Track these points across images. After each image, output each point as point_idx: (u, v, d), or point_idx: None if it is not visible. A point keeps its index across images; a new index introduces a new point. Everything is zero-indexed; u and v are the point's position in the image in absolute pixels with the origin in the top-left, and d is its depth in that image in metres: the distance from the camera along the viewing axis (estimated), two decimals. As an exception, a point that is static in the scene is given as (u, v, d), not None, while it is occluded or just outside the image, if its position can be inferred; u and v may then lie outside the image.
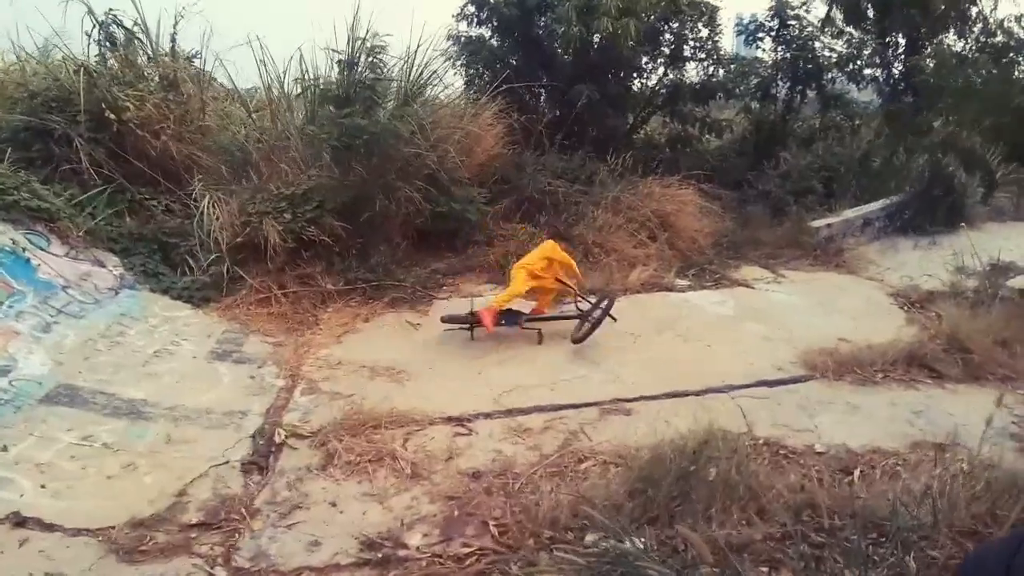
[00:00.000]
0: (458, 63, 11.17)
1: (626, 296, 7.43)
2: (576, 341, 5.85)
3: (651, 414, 4.97)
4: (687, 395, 5.31)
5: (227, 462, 4.38)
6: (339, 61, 7.02)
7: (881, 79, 12.49)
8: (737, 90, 11.11)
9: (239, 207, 7.15)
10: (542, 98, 10.95)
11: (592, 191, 9.10)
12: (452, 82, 10.41)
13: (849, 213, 9.82)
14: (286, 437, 4.58)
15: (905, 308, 7.77)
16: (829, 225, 9.60)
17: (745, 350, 6.26)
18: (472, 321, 6.14)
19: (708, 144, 12.65)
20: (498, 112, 9.09)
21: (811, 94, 12.07)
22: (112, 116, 7.68)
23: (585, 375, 5.54)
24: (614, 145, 10.52)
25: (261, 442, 4.60)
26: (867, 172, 10.69)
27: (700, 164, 11.03)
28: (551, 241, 6.89)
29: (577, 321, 6.20)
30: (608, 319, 6.19)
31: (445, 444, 4.46)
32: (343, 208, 7.26)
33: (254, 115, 8.73)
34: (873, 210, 9.93)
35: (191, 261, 7.05)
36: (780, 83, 11.90)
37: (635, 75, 10.76)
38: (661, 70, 11.16)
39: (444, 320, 6.17)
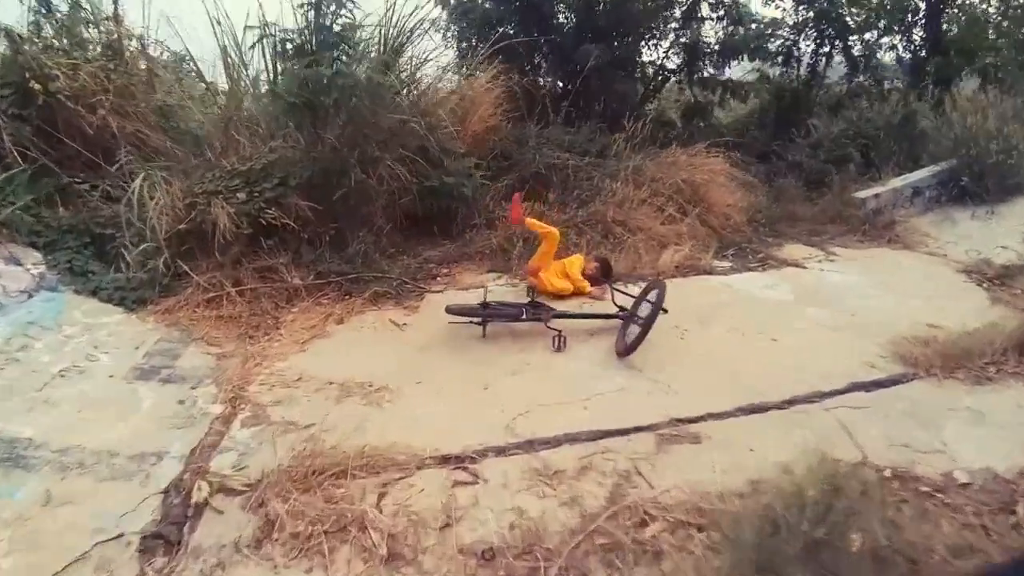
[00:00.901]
0: (448, 33, 9.65)
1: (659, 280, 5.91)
2: (624, 352, 4.31)
3: (727, 439, 3.44)
4: (767, 409, 3.78)
5: (121, 535, 2.85)
6: (302, 4, 5.46)
7: (900, 46, 11.06)
8: (761, 49, 9.51)
9: (184, 188, 5.57)
10: (542, 69, 9.35)
11: (606, 163, 7.53)
12: (441, 48, 8.87)
13: (897, 182, 8.27)
14: (210, 494, 3.03)
15: (984, 286, 6.30)
16: (876, 196, 8.06)
17: (819, 344, 4.74)
18: (486, 315, 4.65)
19: (726, 115, 11.12)
20: (495, 76, 7.52)
21: (837, 57, 10.53)
22: (37, 87, 6.11)
23: (626, 387, 3.99)
24: (626, 115, 8.95)
25: (175, 501, 3.05)
26: (909, 137, 9.13)
27: (717, 138, 9.50)
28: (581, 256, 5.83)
29: (619, 323, 4.70)
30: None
31: (439, 500, 2.90)
32: (312, 185, 5.69)
33: (208, 81, 7.15)
34: (923, 178, 8.39)
35: (127, 255, 5.49)
36: (802, 45, 10.34)
37: (646, 37, 9.17)
38: (673, 35, 9.56)
39: (451, 311, 4.63)
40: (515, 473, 3.08)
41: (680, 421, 3.55)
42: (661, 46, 9.38)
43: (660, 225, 6.59)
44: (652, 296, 4.56)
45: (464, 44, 9.59)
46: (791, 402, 3.88)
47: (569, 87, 9.09)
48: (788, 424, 3.67)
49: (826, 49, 10.36)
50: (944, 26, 11.18)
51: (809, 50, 10.31)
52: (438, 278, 5.93)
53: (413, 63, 7.36)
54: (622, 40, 8.84)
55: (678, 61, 9.54)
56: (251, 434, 3.57)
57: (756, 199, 8.02)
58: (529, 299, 4.85)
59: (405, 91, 6.75)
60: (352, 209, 5.83)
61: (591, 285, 5.51)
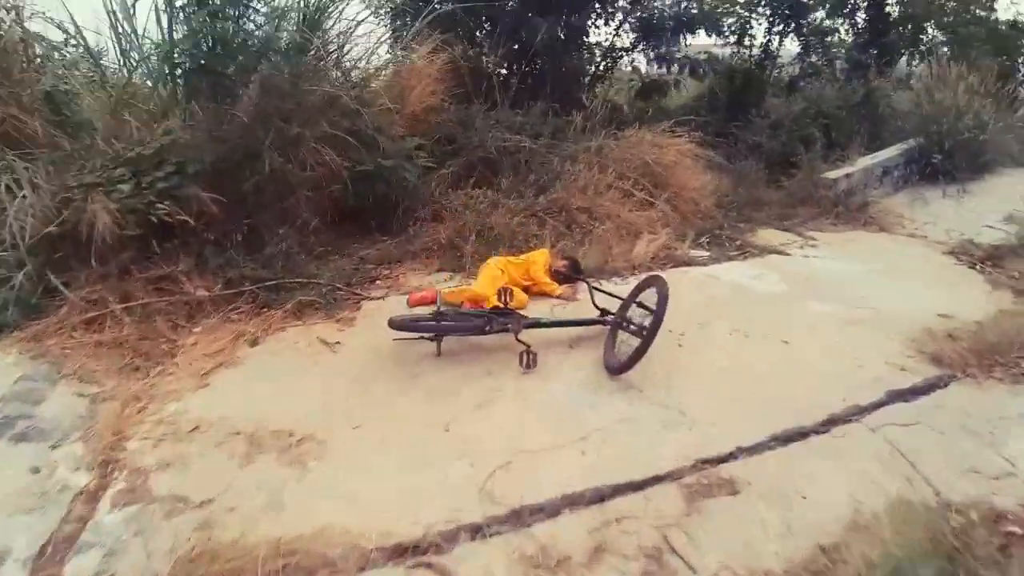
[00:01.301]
0: (381, 8, 8.50)
1: (634, 275, 5.04)
2: (618, 370, 3.39)
3: (770, 484, 2.59)
4: (806, 435, 2.97)
5: None
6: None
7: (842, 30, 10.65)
8: (716, 25, 8.76)
9: (57, 183, 4.33)
10: (486, 47, 8.32)
11: (563, 145, 6.62)
12: (373, 24, 7.72)
13: (866, 161, 7.70)
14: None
15: (977, 268, 5.74)
16: (848, 176, 7.45)
17: (835, 344, 3.99)
18: (440, 329, 3.64)
19: (672, 98, 10.39)
20: (435, 50, 6.47)
21: (788, 37, 9.96)
22: None
23: (629, 416, 3.06)
24: (578, 95, 8.10)
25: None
26: (870, 116, 8.60)
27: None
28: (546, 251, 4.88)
29: (606, 332, 3.79)
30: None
31: (394, 624, 1.93)
32: (217, 173, 4.53)
33: (96, 54, 5.84)
34: (891, 156, 7.86)
35: (-18, 269, 4.22)
36: (754, 24, 9.71)
37: (597, 11, 8.28)
38: (624, 9, 8.71)
39: (395, 325, 3.59)
40: (500, 566, 2.12)
41: (707, 462, 2.66)
42: (612, 22, 8.53)
43: (629, 212, 5.71)
44: (647, 297, 3.66)
45: (399, 22, 8.49)
46: (831, 422, 3.07)
47: (515, 66, 8.13)
48: (835, 454, 2.84)
49: (779, 27, 9.74)
50: (887, 9, 10.86)
51: (763, 29, 9.69)
52: (377, 281, 4.86)
53: (340, 36, 6.26)
54: (571, 14, 7.93)
55: (631, 38, 8.71)
56: (123, 519, 2.48)
57: (721, 182, 7.27)
58: (492, 305, 3.87)
59: (333, 61, 5.63)
60: (269, 201, 4.71)
61: (561, 284, 4.63)
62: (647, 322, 3.46)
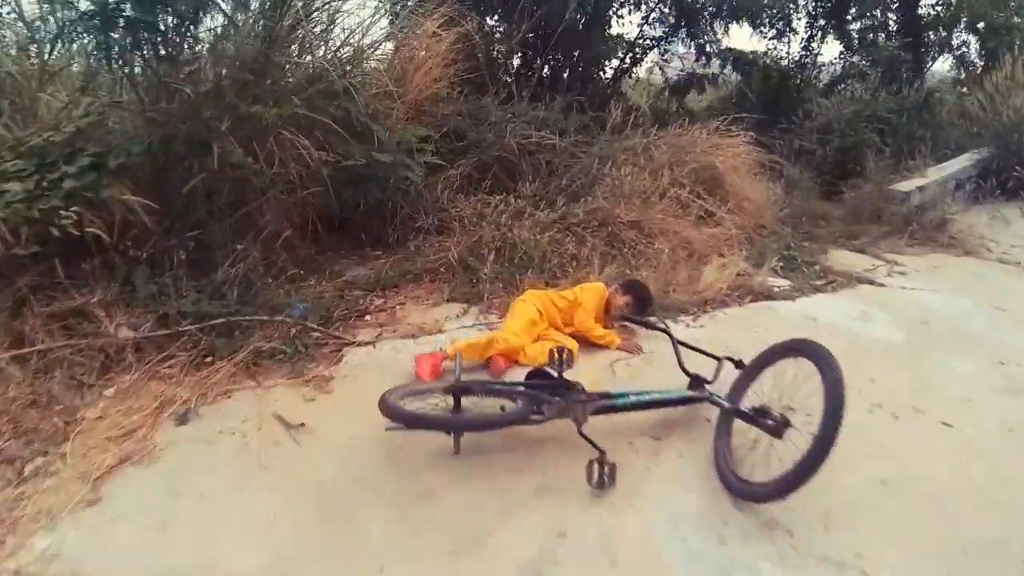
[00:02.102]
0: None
1: (706, 312, 3.77)
2: (758, 494, 2.08)
3: None
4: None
5: None
6: None
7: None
8: (767, 13, 7.50)
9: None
10: (498, 33, 7.02)
11: (597, 144, 5.34)
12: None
13: (939, 173, 6.48)
14: None
15: None
16: (921, 189, 6.22)
17: (1016, 427, 2.71)
18: (462, 424, 2.29)
19: (697, 101, 9.15)
20: (447, 22, 5.16)
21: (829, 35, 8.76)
22: None
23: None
24: (603, 89, 6.84)
25: None
26: (930, 122, 7.39)
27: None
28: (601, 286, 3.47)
29: (714, 422, 2.46)
30: None
31: None
32: (153, 168, 3.22)
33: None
34: (963, 168, 6.66)
35: None
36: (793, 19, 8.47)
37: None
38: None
39: (390, 414, 2.18)
40: None
41: None
42: (642, 7, 7.28)
43: (690, 229, 4.42)
44: (784, 367, 2.35)
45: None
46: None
47: (531, 54, 6.86)
48: None
49: (821, 23, 8.53)
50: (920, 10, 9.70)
51: (803, 24, 8.46)
52: (367, 316, 3.52)
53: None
54: (598, -4, 6.69)
55: (664, 28, 7.46)
56: None
57: (778, 193, 6.01)
58: (538, 367, 2.56)
59: (319, 31, 4.30)
60: (223, 207, 3.38)
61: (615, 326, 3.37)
62: (812, 412, 2.17)
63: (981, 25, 9.12)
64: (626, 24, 7.89)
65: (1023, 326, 3.99)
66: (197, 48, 3.49)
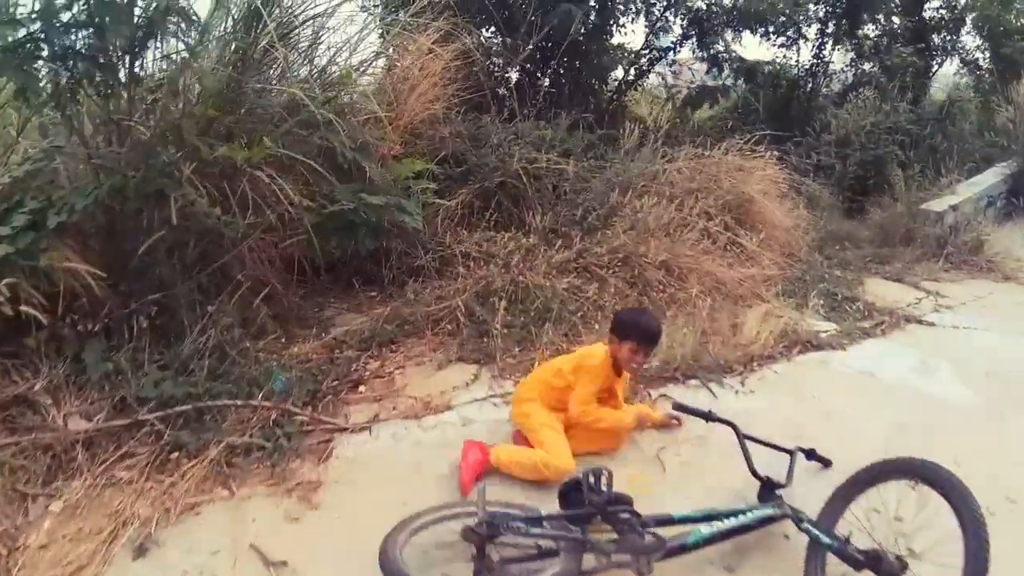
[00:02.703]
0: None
1: (754, 371, 3.28)
2: None
3: None
4: None
5: None
6: None
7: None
8: (787, 21, 7.04)
9: None
10: (496, 43, 6.53)
11: (611, 167, 4.86)
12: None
13: (970, 190, 6.06)
14: None
15: None
16: (954, 208, 5.79)
17: None
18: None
19: (701, 112, 8.69)
20: (445, 36, 4.66)
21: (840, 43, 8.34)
22: None
23: None
24: (607, 104, 6.37)
25: None
26: (954, 135, 6.99)
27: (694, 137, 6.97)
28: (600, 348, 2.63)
29: (804, 553, 1.94)
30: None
31: None
32: (105, 224, 2.71)
33: None
34: (993, 184, 6.25)
35: None
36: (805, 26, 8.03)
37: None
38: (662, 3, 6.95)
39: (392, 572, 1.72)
40: None
41: None
42: (650, 15, 6.81)
43: (724, 266, 3.94)
44: (880, 496, 1.87)
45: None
46: None
47: (531, 67, 6.38)
48: None
49: (831, 30, 8.10)
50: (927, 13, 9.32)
51: (814, 31, 8.03)
52: (361, 387, 3.02)
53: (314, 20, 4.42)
54: (604, 2, 6.20)
55: (674, 37, 7.01)
56: None
57: (804, 215, 5.54)
58: (573, 479, 2.05)
59: (301, 52, 3.80)
60: (189, 265, 2.87)
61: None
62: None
63: (988, 28, 8.77)
64: (629, 34, 7.48)
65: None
66: (155, 79, 2.98)
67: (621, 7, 6.70)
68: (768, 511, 2.00)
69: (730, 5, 6.60)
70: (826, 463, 2.40)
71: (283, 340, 3.37)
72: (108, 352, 2.68)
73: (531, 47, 6.05)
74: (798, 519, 1.97)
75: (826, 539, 1.84)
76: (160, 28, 2.50)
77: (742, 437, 2.26)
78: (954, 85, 8.22)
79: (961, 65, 9.40)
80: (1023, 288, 5.15)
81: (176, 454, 2.43)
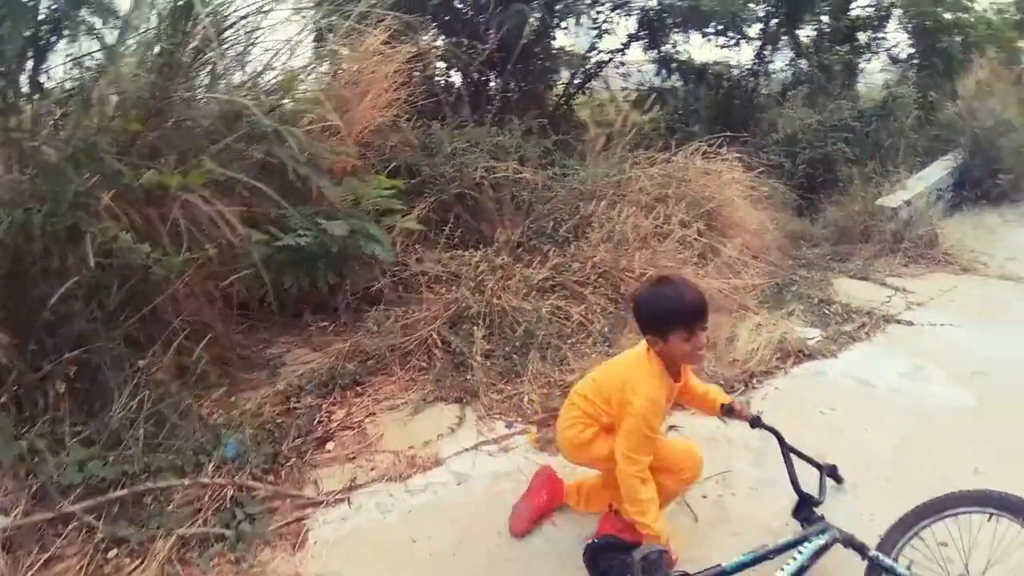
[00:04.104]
0: None
1: (756, 388, 3.08)
2: None
3: None
4: None
5: None
6: None
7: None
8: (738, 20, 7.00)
9: None
10: (446, 49, 6.16)
11: (577, 175, 4.60)
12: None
13: (920, 184, 6.15)
14: None
15: None
16: (908, 203, 5.86)
17: None
18: None
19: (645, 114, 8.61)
20: (395, 36, 4.28)
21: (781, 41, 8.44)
22: None
23: None
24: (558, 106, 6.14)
25: None
26: (894, 129, 7.14)
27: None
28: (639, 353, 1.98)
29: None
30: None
31: None
32: (3, 268, 2.23)
33: None
34: (942, 177, 6.38)
35: None
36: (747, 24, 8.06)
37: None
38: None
39: None
40: None
41: None
42: (598, 15, 6.63)
43: (702, 274, 3.75)
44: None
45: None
46: None
47: (481, 71, 6.06)
48: None
49: (773, 29, 8.17)
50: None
51: (755, 30, 8.06)
52: (329, 444, 2.63)
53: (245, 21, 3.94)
54: (554, 0, 5.96)
55: (622, 39, 6.84)
56: None
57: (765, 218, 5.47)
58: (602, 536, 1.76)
59: (233, 56, 3.34)
60: (111, 315, 2.40)
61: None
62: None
63: (918, 23, 9.09)
64: (573, 37, 7.27)
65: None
66: (64, 89, 2.50)
67: (563, 8, 6.48)
68: (822, 540, 1.77)
69: (681, 5, 6.49)
70: (839, 480, 2.20)
71: (227, 389, 2.94)
72: (19, 429, 2.19)
73: (486, 49, 5.75)
74: (862, 548, 1.76)
75: (901, 570, 1.64)
76: (70, 24, 2.04)
77: (786, 448, 2.01)
78: (892, 81, 8.41)
79: (889, 61, 9.77)
80: (983, 280, 5.26)
81: (115, 552, 1.98)
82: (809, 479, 1.98)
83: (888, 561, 1.72)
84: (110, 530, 1.98)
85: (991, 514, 1.68)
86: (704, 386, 2.12)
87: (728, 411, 2.08)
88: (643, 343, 1.96)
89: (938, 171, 6.41)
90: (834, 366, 3.42)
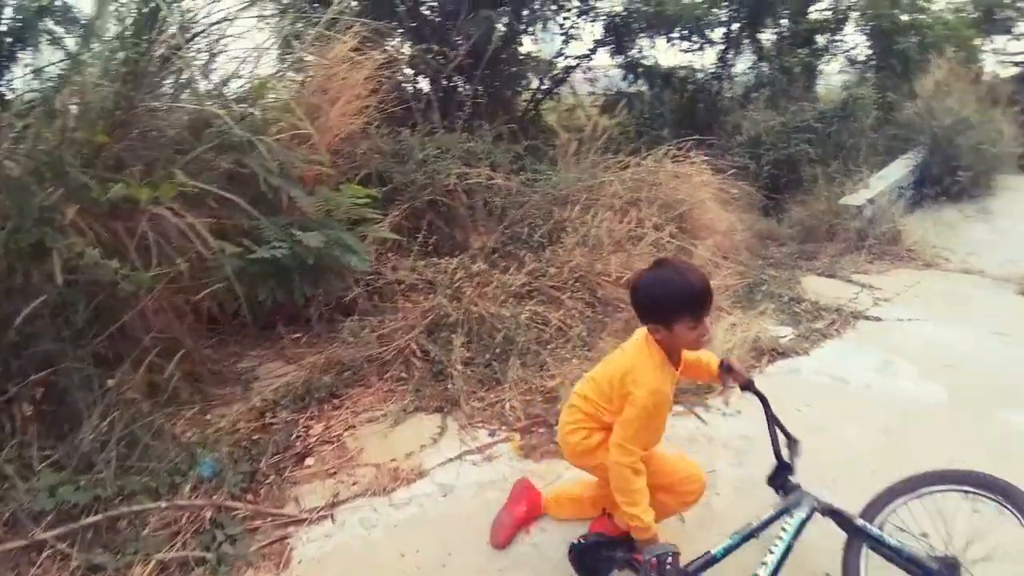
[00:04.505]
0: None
1: (732, 385, 3.14)
2: None
3: None
4: None
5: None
6: None
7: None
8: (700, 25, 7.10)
9: None
10: (409, 53, 6.13)
11: (549, 180, 4.62)
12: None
13: (882, 183, 6.33)
14: None
15: None
16: (871, 201, 6.02)
17: None
18: None
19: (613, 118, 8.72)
20: (364, 42, 4.24)
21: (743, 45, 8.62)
22: None
23: None
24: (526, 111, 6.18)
25: None
26: (855, 130, 7.34)
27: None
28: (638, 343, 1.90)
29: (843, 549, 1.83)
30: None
31: None
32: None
33: None
34: (903, 175, 6.58)
35: None
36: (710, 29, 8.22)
37: (548, 5, 6.40)
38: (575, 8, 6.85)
39: None
40: None
41: None
42: (565, 20, 6.68)
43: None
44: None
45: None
46: None
47: (451, 77, 6.05)
48: None
49: (735, 33, 8.34)
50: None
51: (721, 32, 8.23)
52: (308, 459, 2.57)
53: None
54: (522, 7, 5.98)
55: (589, 44, 6.91)
56: None
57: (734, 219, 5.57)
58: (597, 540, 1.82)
59: (199, 64, 3.27)
60: (79, 333, 2.33)
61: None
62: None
63: (876, 26, 9.37)
64: (540, 42, 7.32)
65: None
66: (24, 101, 2.42)
67: (530, 14, 6.51)
68: (803, 513, 1.80)
69: (647, 10, 6.58)
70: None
71: (200, 406, 2.87)
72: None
73: (457, 55, 5.74)
74: (845, 518, 1.81)
75: (890, 540, 1.70)
76: (33, 34, 1.98)
77: (771, 416, 2.00)
78: (850, 83, 8.64)
79: (847, 63, 10.06)
80: (945, 275, 5.45)
81: (91, 579, 1.93)
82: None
83: (875, 530, 1.76)
84: (85, 557, 1.91)
85: (967, 492, 1.73)
86: (694, 354, 1.99)
87: (727, 369, 2.01)
88: (641, 332, 1.89)
89: (899, 169, 6.61)
90: (807, 363, 3.51)
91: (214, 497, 2.16)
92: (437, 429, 2.76)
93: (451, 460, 2.52)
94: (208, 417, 2.74)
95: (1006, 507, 1.66)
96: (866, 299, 4.65)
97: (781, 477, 1.93)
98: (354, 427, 2.80)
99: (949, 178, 6.60)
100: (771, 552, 1.75)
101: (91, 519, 1.96)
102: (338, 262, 2.90)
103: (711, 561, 1.76)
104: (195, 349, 3.11)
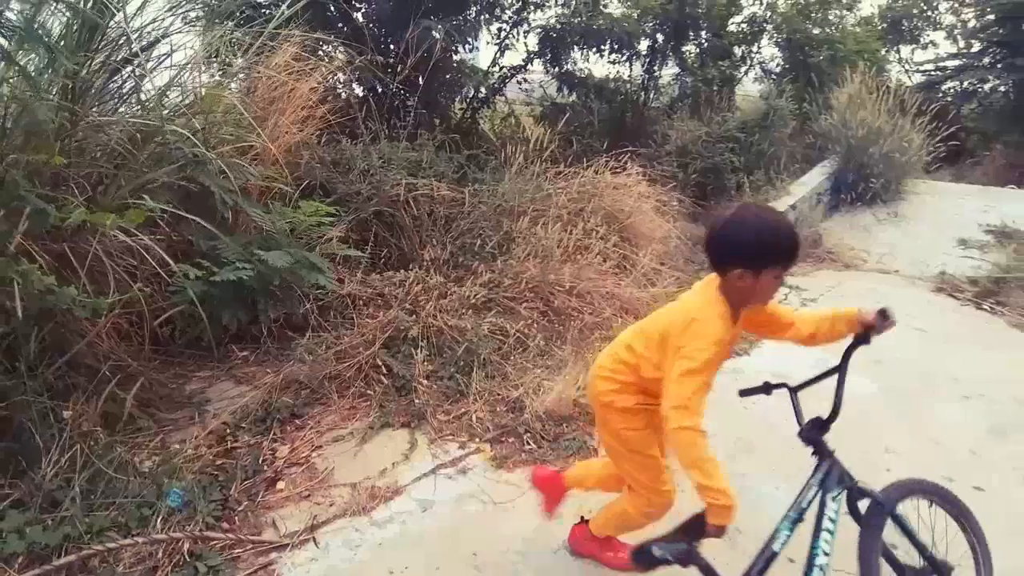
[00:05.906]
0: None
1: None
2: None
3: None
4: None
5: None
6: None
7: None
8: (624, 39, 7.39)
9: None
10: (345, 63, 6.06)
11: (497, 191, 4.71)
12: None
13: (803, 190, 6.82)
14: None
15: (988, 309, 5.12)
16: (794, 206, 6.48)
17: None
18: None
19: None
20: (310, 50, 4.19)
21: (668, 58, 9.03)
22: None
23: None
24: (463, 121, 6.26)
25: None
26: (773, 139, 7.86)
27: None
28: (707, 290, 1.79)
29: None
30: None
31: None
32: None
33: None
34: (820, 182, 7.10)
35: None
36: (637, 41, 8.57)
37: (482, 15, 6.50)
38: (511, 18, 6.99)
39: None
40: None
41: None
42: (499, 29, 6.81)
43: (620, 283, 3.98)
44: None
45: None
46: None
47: (382, 87, 6.05)
48: None
49: (661, 46, 8.74)
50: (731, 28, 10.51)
51: (646, 45, 8.59)
52: (280, 483, 2.57)
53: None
54: (457, 16, 6.06)
55: (524, 55, 7.06)
56: None
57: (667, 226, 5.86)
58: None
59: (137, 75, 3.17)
60: (31, 370, 2.23)
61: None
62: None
63: (791, 39, 10.03)
64: (475, 51, 7.43)
65: (952, 348, 4.21)
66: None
67: (464, 24, 6.60)
68: (843, 496, 1.81)
69: (577, 23, 6.81)
70: None
71: (156, 433, 2.78)
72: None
73: (399, 64, 5.74)
74: (869, 493, 1.83)
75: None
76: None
77: (795, 395, 2.08)
78: (767, 93, 9.21)
79: (762, 74, 10.71)
80: (864, 274, 5.97)
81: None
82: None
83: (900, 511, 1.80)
84: (55, 601, 1.85)
85: (921, 499, 1.94)
86: (771, 307, 1.93)
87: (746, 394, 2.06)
88: (710, 279, 1.78)
89: (817, 176, 7.14)
90: (749, 363, 3.79)
91: (188, 528, 2.13)
92: (407, 444, 2.80)
93: (426, 475, 2.58)
94: (168, 445, 2.67)
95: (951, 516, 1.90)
96: (794, 300, 5.06)
97: (816, 431, 1.93)
98: (320, 447, 2.80)
99: (863, 184, 7.16)
100: (825, 555, 1.69)
101: (64, 559, 1.89)
102: (303, 282, 2.88)
103: (772, 557, 1.67)
104: (145, 373, 3.02)
